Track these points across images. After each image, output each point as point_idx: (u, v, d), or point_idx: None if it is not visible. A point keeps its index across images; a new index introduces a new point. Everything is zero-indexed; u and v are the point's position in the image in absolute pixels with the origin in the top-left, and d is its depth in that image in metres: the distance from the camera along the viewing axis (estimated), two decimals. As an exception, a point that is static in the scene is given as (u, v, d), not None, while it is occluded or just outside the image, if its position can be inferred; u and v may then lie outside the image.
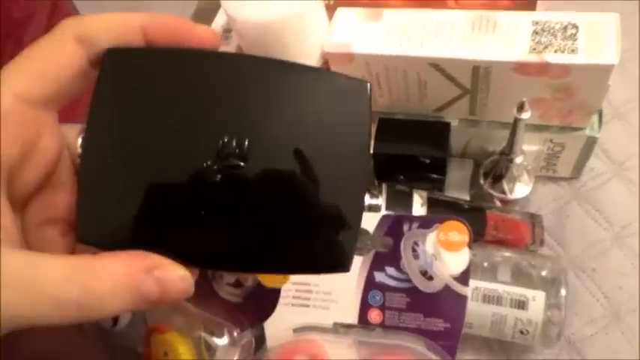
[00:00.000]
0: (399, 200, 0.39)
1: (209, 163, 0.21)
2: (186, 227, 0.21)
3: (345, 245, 0.21)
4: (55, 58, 0.20)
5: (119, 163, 0.21)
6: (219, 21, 0.50)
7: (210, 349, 0.36)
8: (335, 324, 0.36)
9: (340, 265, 0.21)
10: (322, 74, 0.23)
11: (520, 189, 0.40)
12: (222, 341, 0.36)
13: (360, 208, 0.21)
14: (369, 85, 0.22)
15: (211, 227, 0.21)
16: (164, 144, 0.21)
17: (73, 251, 0.22)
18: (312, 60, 0.40)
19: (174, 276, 0.20)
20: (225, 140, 0.21)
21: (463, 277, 0.34)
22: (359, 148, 0.21)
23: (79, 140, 0.21)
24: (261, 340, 0.37)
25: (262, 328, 0.37)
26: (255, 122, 0.21)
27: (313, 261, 0.21)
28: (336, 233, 0.21)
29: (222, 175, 0.21)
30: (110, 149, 0.21)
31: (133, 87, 0.21)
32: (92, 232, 0.21)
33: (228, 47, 0.48)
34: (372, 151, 0.40)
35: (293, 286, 0.36)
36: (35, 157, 0.21)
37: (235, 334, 0.37)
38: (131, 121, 0.21)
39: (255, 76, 0.21)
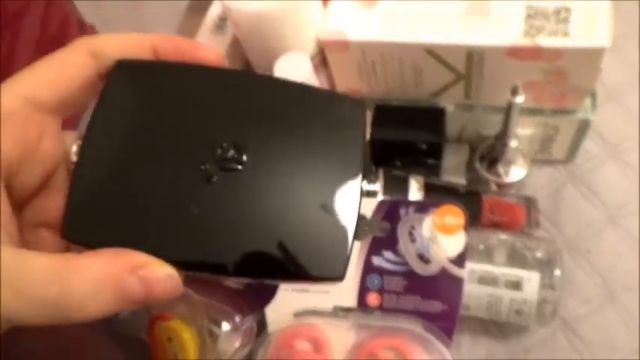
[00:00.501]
0: (396, 185, 0.39)
1: (207, 166, 0.21)
2: (176, 227, 0.21)
3: (338, 255, 0.21)
4: (66, 68, 0.21)
5: (113, 164, 0.21)
6: (214, 10, 0.50)
7: (213, 334, 0.36)
8: (334, 307, 0.36)
9: (333, 275, 0.21)
10: (320, 92, 0.24)
11: (515, 172, 0.40)
12: (224, 327, 0.37)
13: (354, 218, 0.21)
14: (364, 105, 0.23)
15: (202, 229, 0.21)
16: (160, 149, 0.21)
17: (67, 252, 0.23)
18: (308, 48, 0.40)
19: (160, 275, 0.19)
20: (224, 146, 0.21)
21: (459, 260, 0.35)
22: (353, 163, 0.22)
23: (74, 147, 0.22)
24: (262, 325, 0.37)
25: (263, 314, 0.37)
26: (255, 133, 0.22)
27: (304, 271, 0.21)
28: (330, 243, 0.21)
29: (219, 177, 0.21)
30: (106, 151, 0.21)
31: (135, 96, 0.22)
32: (78, 230, 0.20)
33: (224, 37, 0.48)
34: (368, 138, 0.40)
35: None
36: (35, 159, 0.21)
37: (237, 319, 0.37)
38: (130, 126, 0.22)
39: (255, 92, 0.22)
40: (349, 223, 0.21)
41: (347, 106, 0.23)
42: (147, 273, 0.19)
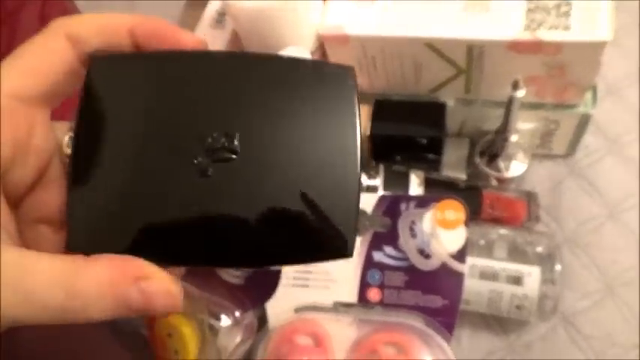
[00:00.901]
0: (397, 180, 0.39)
1: (199, 159, 0.20)
2: (180, 226, 0.20)
3: (344, 230, 0.21)
4: (47, 56, 0.21)
5: (108, 167, 0.21)
6: (213, 5, 0.50)
7: (214, 329, 0.36)
8: (335, 303, 0.36)
9: (342, 250, 0.21)
10: (307, 64, 0.23)
11: (515, 167, 0.40)
12: (224, 322, 0.37)
13: (357, 192, 0.21)
14: (353, 70, 0.22)
15: (205, 224, 0.20)
16: (152, 145, 0.21)
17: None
18: (308, 43, 0.40)
19: (160, 289, 0.19)
20: (214, 136, 0.21)
21: (460, 255, 0.35)
22: (349, 135, 0.21)
23: (66, 139, 0.21)
24: (263, 320, 0.37)
25: (264, 309, 0.37)
26: (244, 117, 0.21)
27: (314, 250, 0.21)
28: (335, 219, 0.21)
29: (214, 169, 0.20)
30: (98, 155, 0.21)
31: (118, 92, 0.21)
32: (83, 241, 0.20)
33: (223, 31, 0.48)
34: (368, 133, 0.40)
35: (293, 267, 0.37)
36: (28, 155, 0.21)
37: (237, 315, 0.37)
38: (118, 125, 0.21)
39: (238, 72, 0.22)
40: (352, 197, 0.21)
41: (336, 74, 0.22)
42: (148, 286, 0.19)
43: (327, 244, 0.21)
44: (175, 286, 0.20)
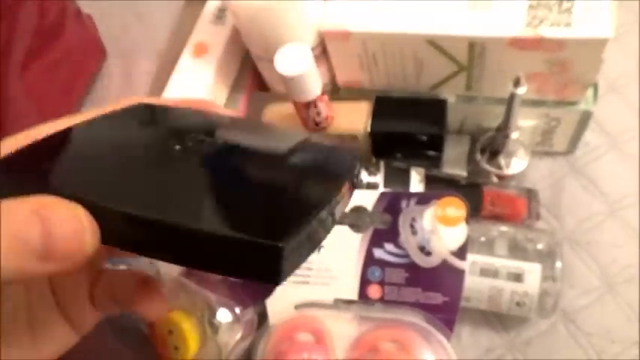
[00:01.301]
0: (397, 177, 0.39)
1: (176, 147, 0.21)
2: (126, 185, 0.19)
3: (288, 220, 0.17)
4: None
5: (86, 142, 0.22)
6: (213, 1, 0.50)
7: (214, 326, 0.36)
8: (336, 300, 0.36)
9: (270, 278, 0.16)
10: (317, 135, 0.26)
11: (516, 164, 0.40)
12: (225, 319, 0.37)
13: (308, 221, 0.17)
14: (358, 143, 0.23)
15: (157, 189, 0.19)
16: (136, 143, 0.22)
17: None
18: (309, 40, 0.40)
19: (63, 214, 0.16)
20: (197, 131, 0.22)
21: (460, 252, 0.35)
22: (337, 177, 0.20)
23: None
24: (263, 317, 0.37)
25: (264, 306, 0.37)
26: (238, 138, 0.23)
27: (238, 269, 0.17)
28: (286, 210, 0.18)
29: (183, 150, 0.21)
30: (87, 137, 0.22)
31: (130, 120, 0.24)
32: (11, 166, 0.19)
33: (223, 27, 0.48)
34: (368, 130, 0.40)
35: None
36: None
37: (238, 311, 0.37)
38: (117, 130, 0.23)
39: (255, 135, 0.24)
40: (306, 217, 0.17)
41: (343, 145, 0.24)
42: (48, 213, 0.16)
43: (255, 271, 0.16)
44: (85, 216, 0.17)
